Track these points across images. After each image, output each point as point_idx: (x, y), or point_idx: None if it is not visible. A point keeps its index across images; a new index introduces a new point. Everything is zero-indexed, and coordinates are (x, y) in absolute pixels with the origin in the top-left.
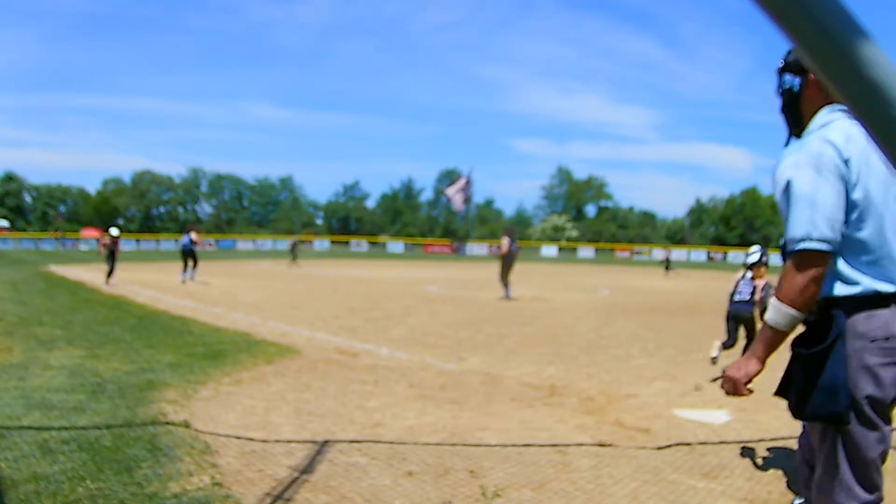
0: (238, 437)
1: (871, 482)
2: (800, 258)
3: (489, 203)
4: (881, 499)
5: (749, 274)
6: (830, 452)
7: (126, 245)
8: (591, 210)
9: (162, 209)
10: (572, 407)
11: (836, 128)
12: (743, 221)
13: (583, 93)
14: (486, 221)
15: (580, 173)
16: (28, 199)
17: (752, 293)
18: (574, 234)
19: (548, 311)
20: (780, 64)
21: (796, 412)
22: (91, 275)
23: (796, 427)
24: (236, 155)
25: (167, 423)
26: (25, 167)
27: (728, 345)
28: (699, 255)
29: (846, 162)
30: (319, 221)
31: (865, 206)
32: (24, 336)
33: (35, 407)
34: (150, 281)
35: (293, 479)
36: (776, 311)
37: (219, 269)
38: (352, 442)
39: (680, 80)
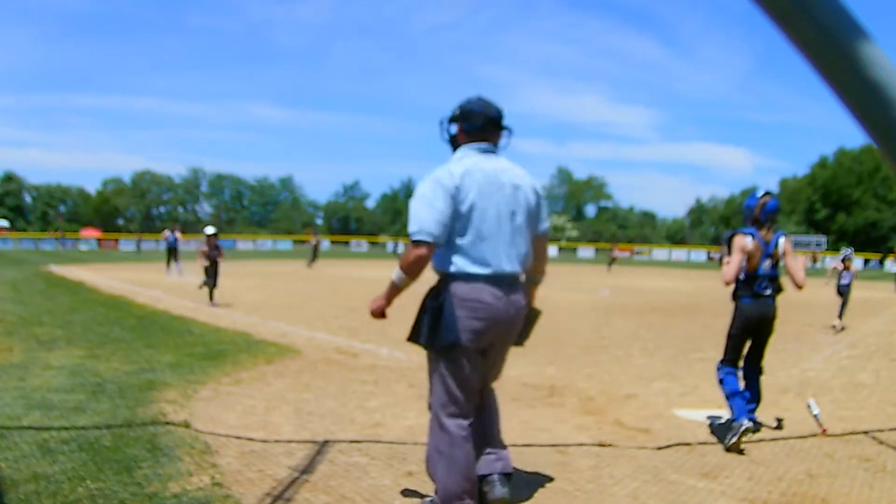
0: (238, 437)
1: (458, 398)
2: (414, 243)
3: None
4: (469, 415)
5: (842, 266)
6: (435, 373)
7: (126, 245)
8: (591, 210)
9: (162, 209)
10: (572, 407)
11: (461, 162)
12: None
13: (583, 93)
14: None
15: (580, 173)
16: (28, 199)
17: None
18: (574, 234)
19: (548, 311)
20: (447, 116)
21: (426, 343)
22: (91, 275)
23: (796, 427)
24: (236, 155)
25: (167, 423)
26: (25, 167)
27: (841, 314)
28: (699, 255)
29: (457, 187)
30: (319, 221)
31: (469, 216)
32: (24, 336)
33: (35, 407)
34: (150, 281)
35: (293, 479)
36: (396, 274)
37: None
38: (352, 442)
39: (680, 80)
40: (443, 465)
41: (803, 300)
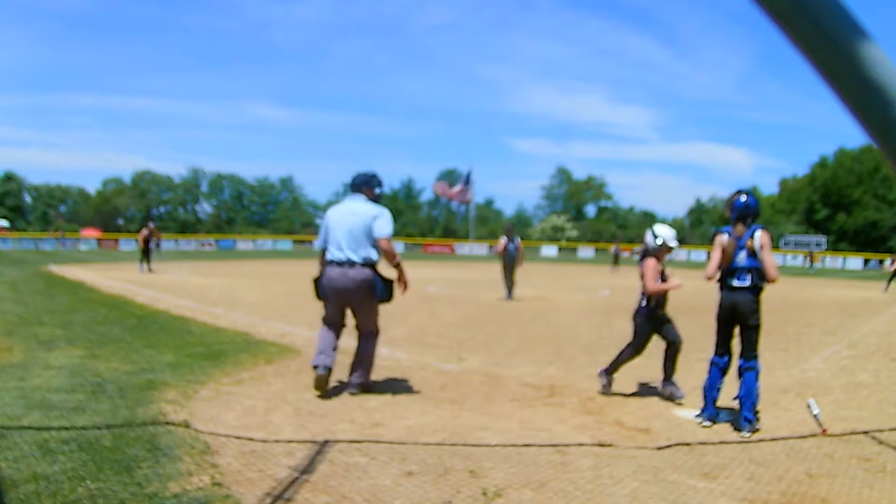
0: (238, 437)
1: (326, 320)
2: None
3: (489, 203)
4: (331, 328)
5: (893, 266)
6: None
7: (125, 245)
8: (591, 210)
9: (162, 209)
10: (572, 407)
11: (336, 205)
12: None
13: (583, 93)
14: (485, 221)
15: (580, 173)
16: (28, 199)
17: None
18: (574, 234)
19: (548, 311)
20: (377, 184)
21: (316, 296)
22: (91, 275)
23: (796, 427)
24: (236, 155)
25: (167, 423)
26: (25, 167)
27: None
28: (699, 255)
29: (327, 217)
30: (320, 221)
31: (330, 231)
32: (24, 336)
33: (35, 407)
34: (150, 281)
35: (293, 479)
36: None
37: (219, 269)
38: (352, 442)
39: (680, 80)
40: (318, 341)
41: (804, 300)
